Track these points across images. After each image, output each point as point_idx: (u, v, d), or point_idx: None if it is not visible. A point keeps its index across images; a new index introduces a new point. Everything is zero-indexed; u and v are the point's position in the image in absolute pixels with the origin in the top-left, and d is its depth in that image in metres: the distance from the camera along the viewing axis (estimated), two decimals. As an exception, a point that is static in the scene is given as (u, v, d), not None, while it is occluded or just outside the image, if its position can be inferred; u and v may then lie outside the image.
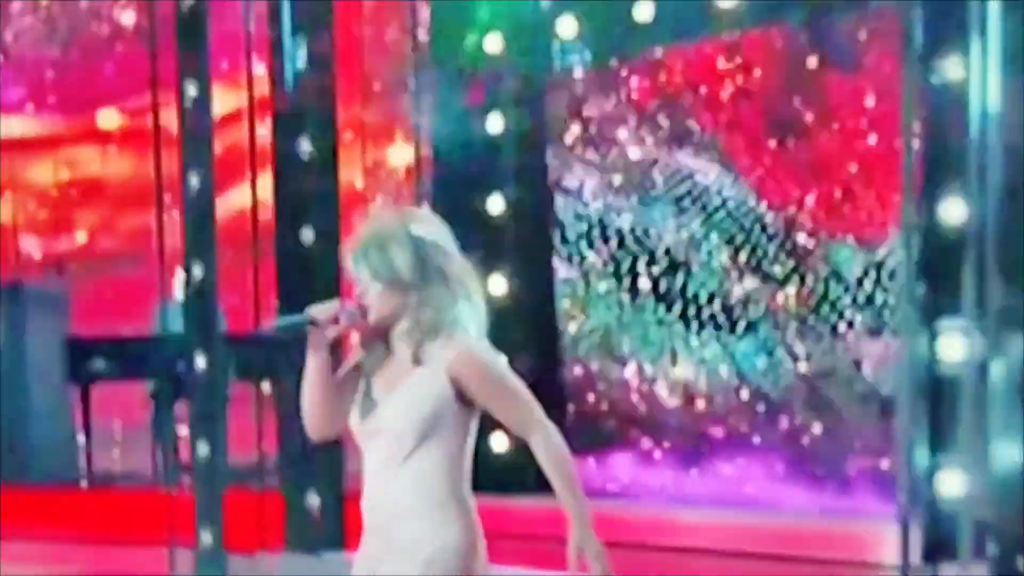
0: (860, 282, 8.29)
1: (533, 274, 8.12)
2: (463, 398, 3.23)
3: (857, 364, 8.41)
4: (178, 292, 8.55)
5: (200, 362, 6.16)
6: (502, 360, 3.34)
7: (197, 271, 6.41)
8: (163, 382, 8.20)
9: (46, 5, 10.60)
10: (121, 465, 8.63)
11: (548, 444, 3.26)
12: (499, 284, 7.41)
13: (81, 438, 8.36)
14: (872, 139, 8.37)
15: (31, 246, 10.53)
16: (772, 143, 8.68)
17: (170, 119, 10.12)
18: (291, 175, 6.69)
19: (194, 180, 6.36)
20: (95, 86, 10.72)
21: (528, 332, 7.81)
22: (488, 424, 3.41)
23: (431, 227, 3.29)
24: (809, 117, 8.54)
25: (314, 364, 3.25)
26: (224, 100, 10.42)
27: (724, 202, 8.84)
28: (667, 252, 8.88)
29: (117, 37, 10.61)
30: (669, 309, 8.90)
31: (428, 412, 3.21)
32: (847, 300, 8.34)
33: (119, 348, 8.29)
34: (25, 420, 7.87)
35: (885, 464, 8.06)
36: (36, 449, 7.95)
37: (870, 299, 8.27)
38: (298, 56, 6.76)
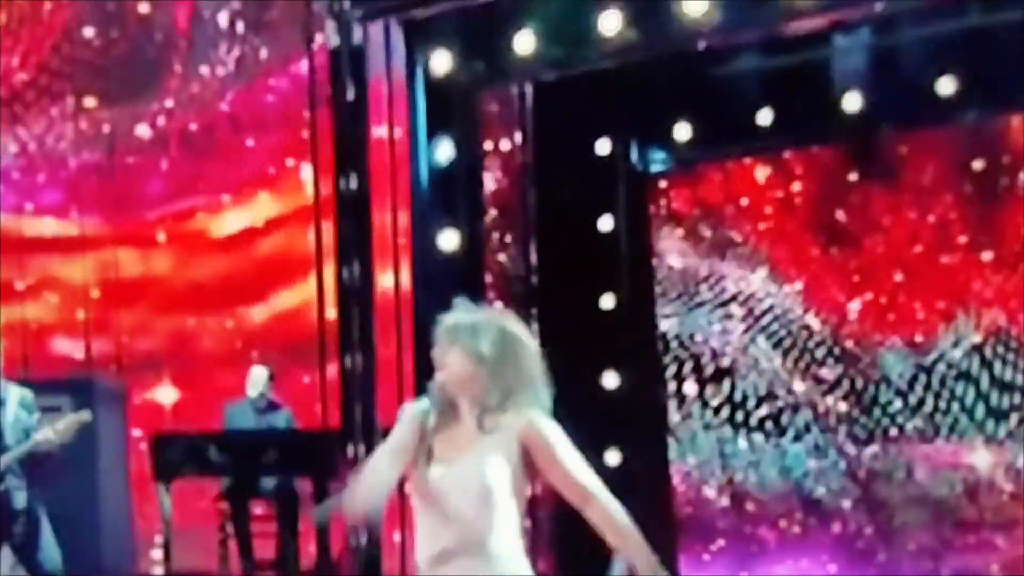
0: (910, 387, 8.54)
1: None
2: (528, 464, 3.61)
3: (909, 468, 8.63)
4: (250, 390, 8.79)
5: (355, 452, 6.28)
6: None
7: (352, 362, 6.44)
8: (237, 478, 8.35)
9: (91, 109, 10.92)
10: (189, 563, 8.68)
11: (608, 509, 3.61)
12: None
13: (158, 537, 8.43)
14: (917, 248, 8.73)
15: (67, 347, 10.67)
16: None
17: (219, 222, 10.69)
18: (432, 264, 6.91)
19: (353, 270, 6.50)
20: (137, 190, 11.01)
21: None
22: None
23: (511, 321, 3.78)
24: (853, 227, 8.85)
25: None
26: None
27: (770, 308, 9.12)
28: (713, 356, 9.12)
29: (160, 141, 10.93)
30: (716, 413, 9.12)
31: (500, 473, 3.56)
32: (898, 404, 8.58)
33: (203, 446, 8.42)
34: (97, 517, 7.99)
35: (941, 568, 8.33)
36: (106, 547, 8.03)
37: (920, 403, 8.52)
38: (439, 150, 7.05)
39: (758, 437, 8.96)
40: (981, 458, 8.38)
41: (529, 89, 7.91)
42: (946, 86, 7.33)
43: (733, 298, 9.18)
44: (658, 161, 8.67)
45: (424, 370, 6.46)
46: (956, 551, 8.33)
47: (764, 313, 9.06)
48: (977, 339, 8.47)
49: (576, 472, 3.64)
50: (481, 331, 3.67)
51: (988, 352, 8.41)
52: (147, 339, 10.92)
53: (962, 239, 8.64)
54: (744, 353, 9.06)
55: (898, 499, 8.68)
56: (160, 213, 11.14)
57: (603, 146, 8.19)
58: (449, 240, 7.24)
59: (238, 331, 10.88)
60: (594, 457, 7.59)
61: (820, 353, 8.88)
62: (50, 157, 11.17)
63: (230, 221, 11.06)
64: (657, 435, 8.58)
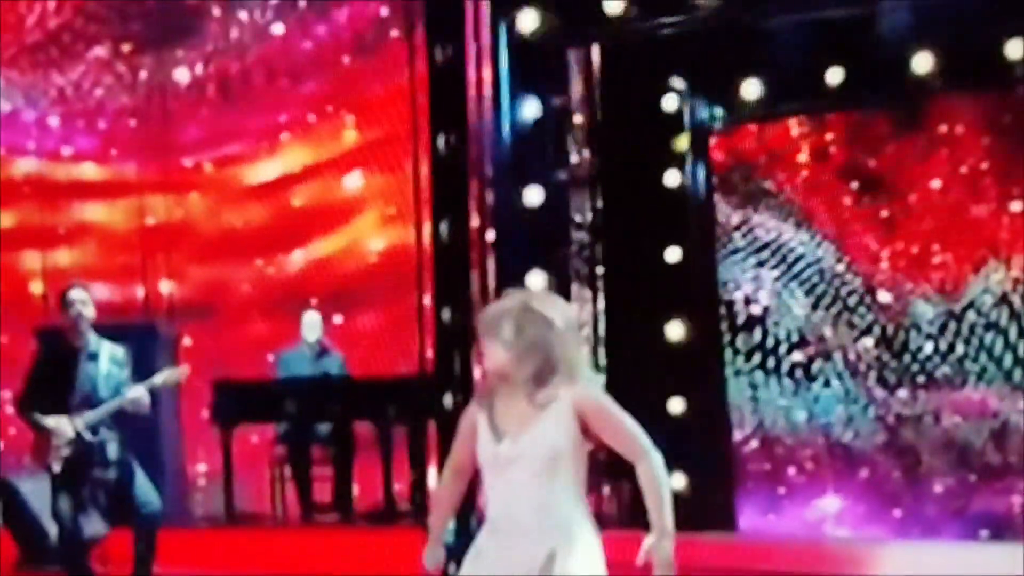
0: (940, 334, 8.97)
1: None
2: (584, 430, 3.99)
3: (937, 414, 9.01)
4: (308, 335, 9.09)
5: (448, 401, 6.62)
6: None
7: (447, 315, 6.82)
8: (298, 424, 8.72)
9: (128, 54, 11.12)
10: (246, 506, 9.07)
11: (650, 469, 3.97)
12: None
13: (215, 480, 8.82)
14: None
15: (105, 292, 10.92)
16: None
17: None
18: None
19: (444, 228, 6.84)
20: (175, 135, 11.26)
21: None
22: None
23: (539, 303, 4.13)
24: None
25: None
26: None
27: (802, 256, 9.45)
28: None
29: (198, 87, 11.15)
30: (748, 359, 9.45)
31: (562, 441, 3.94)
32: (927, 351, 9.00)
33: (262, 392, 8.76)
34: (160, 461, 8.32)
35: (966, 511, 8.74)
36: (168, 491, 8.39)
37: (950, 350, 8.91)
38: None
39: (788, 383, 9.32)
40: (1008, 405, 8.77)
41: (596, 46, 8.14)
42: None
43: (766, 246, 9.53)
44: (720, 118, 8.91)
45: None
46: (981, 495, 8.77)
47: (797, 261, 9.41)
48: (1006, 287, 8.82)
49: (630, 430, 4.01)
50: (505, 320, 4.02)
51: (1016, 300, 8.78)
52: (184, 285, 11.20)
53: (993, 190, 8.98)
54: (777, 300, 9.42)
55: (925, 444, 9.05)
56: (198, 159, 11.40)
57: (669, 102, 8.46)
58: (533, 195, 7.50)
59: (276, 278, 11.18)
60: (659, 405, 8.05)
61: (852, 301, 9.26)
62: (87, 102, 11.38)
63: (268, 168, 11.35)
64: (718, 384, 8.94)
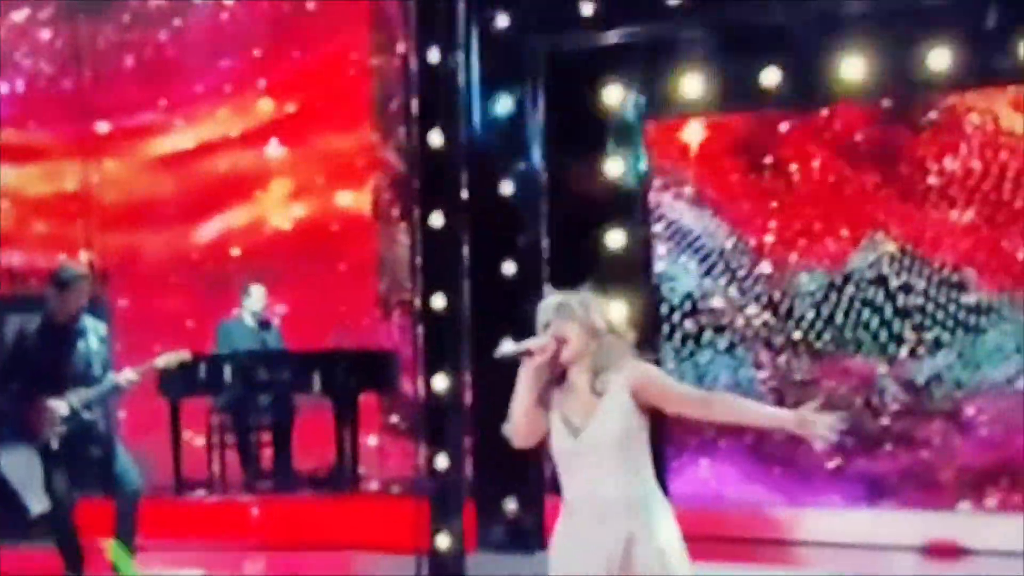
0: (822, 304, 10.06)
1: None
2: (642, 407, 4.39)
3: (818, 380, 10.14)
4: (253, 306, 9.78)
5: (439, 383, 7.26)
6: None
7: (439, 301, 7.32)
8: (242, 396, 9.47)
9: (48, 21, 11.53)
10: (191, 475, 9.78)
11: (729, 400, 4.52)
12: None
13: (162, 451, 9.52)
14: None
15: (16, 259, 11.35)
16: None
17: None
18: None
19: (436, 218, 7.32)
20: (94, 103, 11.73)
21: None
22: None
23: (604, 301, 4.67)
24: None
25: (527, 385, 4.46)
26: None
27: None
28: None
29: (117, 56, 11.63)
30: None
31: (628, 423, 4.35)
32: (809, 320, 10.10)
33: (208, 365, 9.39)
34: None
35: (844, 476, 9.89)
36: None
37: (830, 319, 10.04)
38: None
39: (681, 350, 10.34)
40: (884, 372, 9.85)
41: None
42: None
43: (659, 219, 10.48)
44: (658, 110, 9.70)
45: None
46: (859, 460, 9.82)
47: (688, 234, 10.43)
48: (884, 261, 9.90)
49: (688, 391, 4.52)
50: (589, 306, 4.49)
51: (890, 274, 9.84)
52: (103, 253, 11.61)
53: (872, 172, 10.06)
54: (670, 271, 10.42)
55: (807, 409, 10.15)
56: (116, 126, 11.93)
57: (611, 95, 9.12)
58: (506, 187, 7.99)
59: (193, 246, 11.80)
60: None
61: (740, 272, 10.30)
62: (5, 68, 11.78)
63: (185, 137, 11.97)
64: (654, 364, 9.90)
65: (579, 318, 4.47)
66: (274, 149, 11.85)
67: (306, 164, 11.80)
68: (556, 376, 4.49)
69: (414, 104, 11.51)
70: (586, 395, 4.43)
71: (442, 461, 7.17)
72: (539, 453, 7.70)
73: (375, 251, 11.59)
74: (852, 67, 8.42)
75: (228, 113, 11.90)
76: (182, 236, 11.92)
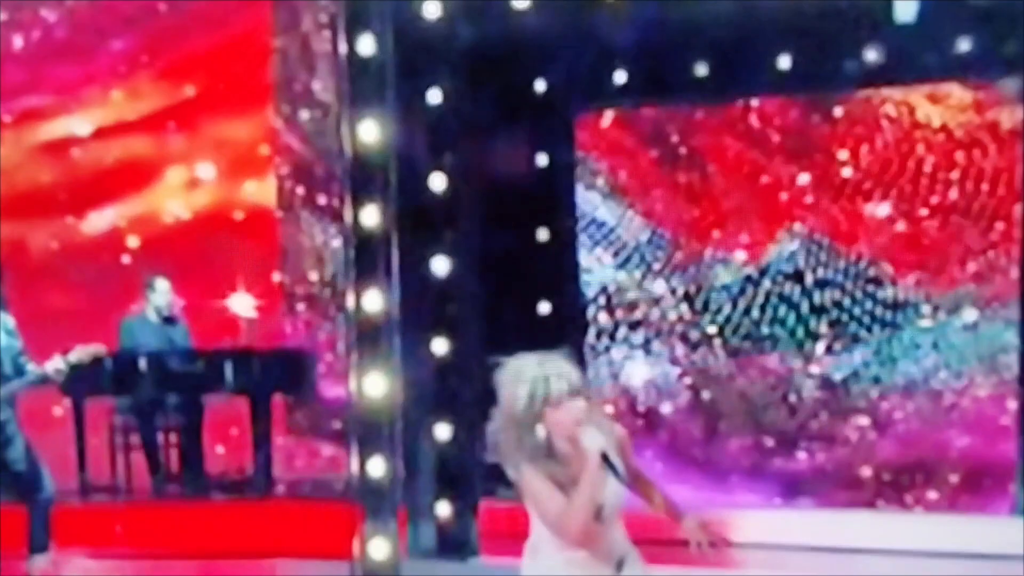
0: (738, 298, 10.17)
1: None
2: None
3: (734, 375, 10.26)
4: (158, 300, 9.58)
5: (373, 386, 7.01)
6: None
7: (373, 300, 7.13)
8: (150, 396, 9.27)
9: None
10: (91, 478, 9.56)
11: (654, 485, 4.59)
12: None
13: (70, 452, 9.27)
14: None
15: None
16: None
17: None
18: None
19: (370, 216, 7.10)
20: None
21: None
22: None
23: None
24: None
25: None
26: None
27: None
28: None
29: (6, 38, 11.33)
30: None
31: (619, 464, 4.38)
32: (726, 315, 10.20)
33: (119, 364, 9.15)
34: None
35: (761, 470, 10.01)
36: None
37: (746, 313, 10.15)
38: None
39: (594, 344, 10.37)
40: (798, 368, 9.98)
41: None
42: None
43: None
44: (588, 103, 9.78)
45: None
46: (776, 459, 9.98)
47: (603, 227, 10.47)
48: (800, 256, 10.05)
49: (639, 465, 4.55)
50: (571, 376, 4.34)
51: (806, 269, 9.97)
52: None
53: (787, 165, 10.20)
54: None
55: (723, 405, 10.28)
56: (2, 111, 11.62)
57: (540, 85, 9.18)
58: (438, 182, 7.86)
59: (84, 237, 11.54)
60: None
61: (657, 266, 10.36)
62: None
63: (76, 123, 11.68)
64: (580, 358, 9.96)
65: (580, 385, 4.36)
66: (171, 135, 11.62)
67: (205, 151, 11.58)
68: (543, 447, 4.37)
69: (316, 86, 11.49)
70: (578, 463, 4.33)
71: (376, 467, 7.04)
72: (471, 458, 7.76)
73: (278, 242, 11.43)
74: (777, 61, 8.50)
75: (122, 97, 11.65)
76: (74, 227, 11.69)
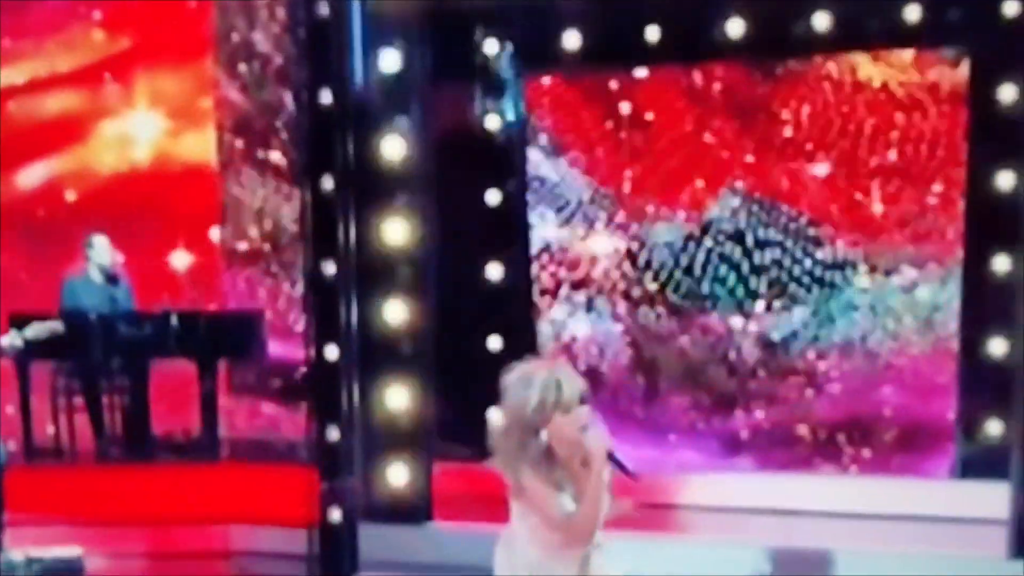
0: (680, 256, 10.38)
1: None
2: None
3: (675, 333, 10.48)
4: (100, 259, 9.58)
5: (331, 352, 7.31)
6: None
7: (329, 268, 7.36)
8: (92, 359, 9.31)
9: None
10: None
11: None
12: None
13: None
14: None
15: None
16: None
17: None
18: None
19: (326, 182, 7.34)
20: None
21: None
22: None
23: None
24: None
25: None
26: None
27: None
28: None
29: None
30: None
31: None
32: (667, 273, 10.41)
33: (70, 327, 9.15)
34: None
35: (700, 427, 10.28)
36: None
37: (688, 272, 10.36)
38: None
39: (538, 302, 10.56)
40: (737, 327, 10.22)
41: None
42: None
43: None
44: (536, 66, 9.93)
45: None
46: (715, 418, 10.22)
47: (545, 184, 10.62)
48: (740, 215, 10.24)
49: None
50: (571, 387, 4.42)
51: (747, 228, 10.19)
52: None
53: (729, 123, 10.39)
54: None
55: (664, 363, 10.51)
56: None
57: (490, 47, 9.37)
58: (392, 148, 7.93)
59: (14, 195, 11.44)
60: (479, 342, 9.19)
61: (599, 224, 10.55)
62: None
63: (9, 74, 11.57)
64: (529, 322, 10.15)
65: (570, 401, 4.44)
66: (108, 87, 11.57)
67: (143, 103, 11.55)
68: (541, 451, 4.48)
69: (256, 36, 11.47)
70: (578, 470, 4.47)
71: (332, 433, 7.23)
72: (424, 423, 7.95)
73: (218, 197, 11.46)
74: (730, 26, 8.69)
75: (57, 48, 11.57)
76: (7, 182, 11.55)
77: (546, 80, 10.51)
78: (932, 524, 7.95)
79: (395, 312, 7.81)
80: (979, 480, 8.30)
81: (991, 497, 7.36)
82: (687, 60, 9.97)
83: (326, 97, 7.32)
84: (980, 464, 8.53)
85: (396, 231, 7.78)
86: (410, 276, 7.84)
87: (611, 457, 4.45)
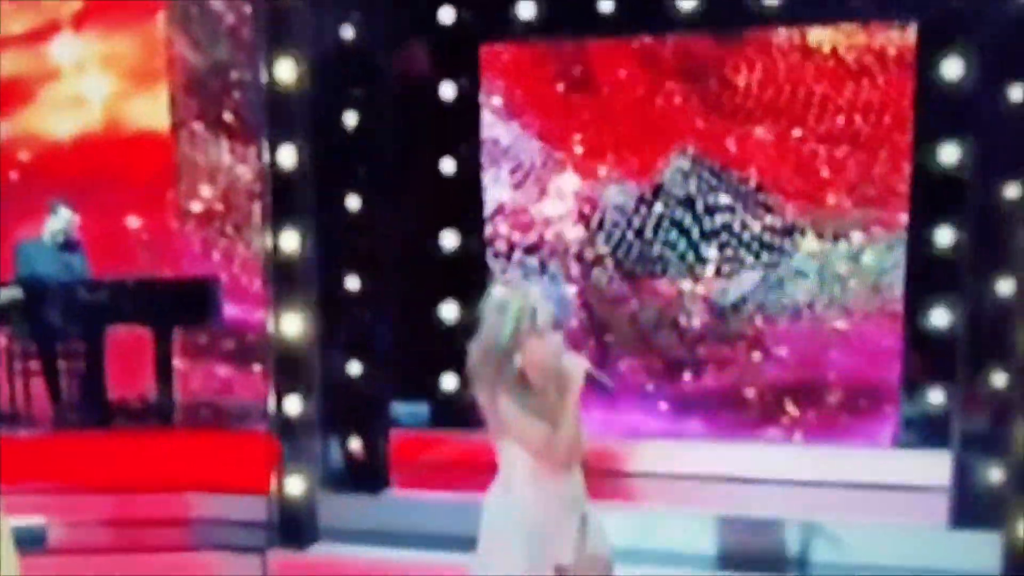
0: (632, 217, 10.56)
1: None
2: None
3: (626, 295, 10.66)
4: (56, 225, 9.64)
5: (291, 324, 7.32)
6: None
7: (290, 239, 7.38)
8: (48, 325, 9.37)
9: None
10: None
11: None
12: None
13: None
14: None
15: None
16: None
17: None
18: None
19: (287, 155, 7.32)
20: None
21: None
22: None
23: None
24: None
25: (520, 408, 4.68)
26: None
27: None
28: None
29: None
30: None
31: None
32: (620, 234, 10.61)
33: (30, 292, 9.27)
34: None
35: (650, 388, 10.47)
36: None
37: (639, 233, 10.55)
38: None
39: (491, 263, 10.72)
40: (687, 289, 10.44)
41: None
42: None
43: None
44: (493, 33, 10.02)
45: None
46: (664, 383, 10.45)
47: (498, 147, 10.75)
48: (691, 180, 10.40)
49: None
50: (544, 312, 4.62)
51: (697, 193, 10.37)
52: None
53: (680, 87, 10.52)
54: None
55: (616, 325, 10.68)
56: None
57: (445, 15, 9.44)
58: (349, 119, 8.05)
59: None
60: (434, 312, 9.31)
61: (552, 187, 10.71)
62: None
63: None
64: (483, 286, 10.25)
65: (560, 326, 4.65)
66: (59, 47, 11.55)
67: (94, 64, 11.55)
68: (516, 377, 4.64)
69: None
70: (553, 396, 4.64)
71: (293, 404, 7.37)
72: (383, 389, 8.09)
73: (172, 158, 11.50)
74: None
75: (7, 8, 11.52)
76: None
77: (500, 48, 10.64)
78: (877, 492, 8.11)
79: (353, 283, 7.95)
80: (922, 448, 8.49)
81: (934, 465, 7.52)
82: (641, 30, 10.10)
83: (284, 70, 7.40)
84: (923, 432, 8.74)
85: (353, 202, 7.90)
86: (367, 248, 7.97)
87: (590, 377, 4.60)
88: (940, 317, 8.77)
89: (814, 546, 7.16)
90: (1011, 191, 6.84)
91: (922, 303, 8.96)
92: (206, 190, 11.54)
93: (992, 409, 6.90)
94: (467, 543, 4.97)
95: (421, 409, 9.88)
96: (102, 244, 10.60)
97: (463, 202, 10.11)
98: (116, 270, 10.26)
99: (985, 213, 6.92)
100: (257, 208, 10.88)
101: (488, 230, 10.66)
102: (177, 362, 10.23)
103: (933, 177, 8.84)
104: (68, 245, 9.87)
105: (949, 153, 8.71)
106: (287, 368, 7.40)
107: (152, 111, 11.58)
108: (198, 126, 11.56)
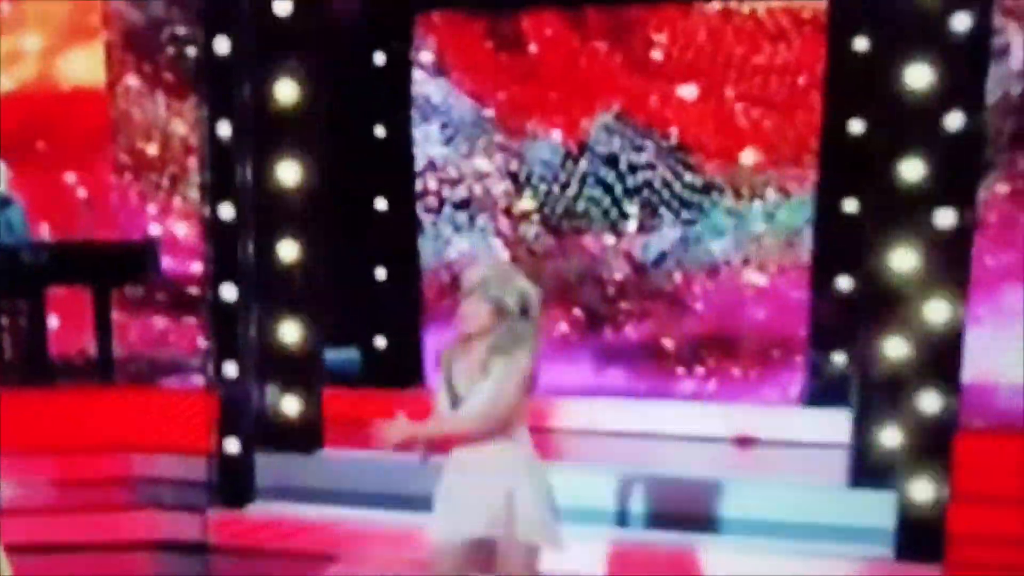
0: (558, 173, 10.86)
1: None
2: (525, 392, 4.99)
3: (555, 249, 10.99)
4: None
5: (228, 292, 7.63)
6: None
7: (227, 212, 7.63)
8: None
9: None
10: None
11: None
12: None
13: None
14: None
15: None
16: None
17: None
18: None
19: (223, 128, 7.57)
20: None
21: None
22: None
23: (528, 281, 5.08)
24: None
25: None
26: None
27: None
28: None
29: None
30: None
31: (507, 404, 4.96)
32: (546, 189, 10.91)
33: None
34: None
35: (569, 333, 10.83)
36: None
37: (564, 188, 10.84)
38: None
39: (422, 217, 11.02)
40: (609, 243, 10.75)
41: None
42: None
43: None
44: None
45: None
46: (588, 336, 10.76)
47: (427, 102, 11.01)
48: (615, 136, 10.69)
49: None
50: (507, 287, 4.91)
51: (620, 149, 10.67)
52: None
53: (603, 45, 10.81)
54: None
55: (542, 280, 10.98)
56: None
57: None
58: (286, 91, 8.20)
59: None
60: (366, 273, 9.61)
61: (482, 143, 10.98)
62: None
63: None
64: (413, 251, 10.64)
65: (492, 298, 4.89)
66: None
67: (28, 20, 11.62)
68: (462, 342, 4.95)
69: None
70: (476, 371, 4.92)
71: (231, 368, 7.69)
72: (316, 352, 8.40)
73: (108, 114, 11.63)
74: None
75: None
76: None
77: (434, 14, 10.90)
78: (784, 449, 8.50)
79: (289, 248, 8.21)
80: (828, 407, 8.74)
81: (839, 423, 7.83)
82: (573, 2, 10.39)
83: (222, 46, 7.66)
84: (829, 390, 9.06)
85: (290, 172, 8.19)
86: (300, 212, 8.23)
87: None
88: (844, 282, 9.09)
89: (717, 503, 7.47)
90: (909, 168, 7.02)
91: (828, 267, 9.27)
92: (143, 145, 11.68)
93: (890, 374, 7.18)
94: (399, 501, 5.22)
95: (353, 356, 10.20)
96: (39, 200, 10.74)
97: (395, 164, 10.39)
98: (54, 225, 10.44)
99: (884, 188, 7.11)
100: (193, 161, 11.09)
101: (418, 183, 10.90)
102: (115, 314, 10.43)
103: (843, 145, 9.11)
104: (3, 201, 10.02)
105: (855, 125, 9.03)
106: (224, 332, 7.71)
107: (88, 67, 11.68)
108: (134, 81, 11.68)
